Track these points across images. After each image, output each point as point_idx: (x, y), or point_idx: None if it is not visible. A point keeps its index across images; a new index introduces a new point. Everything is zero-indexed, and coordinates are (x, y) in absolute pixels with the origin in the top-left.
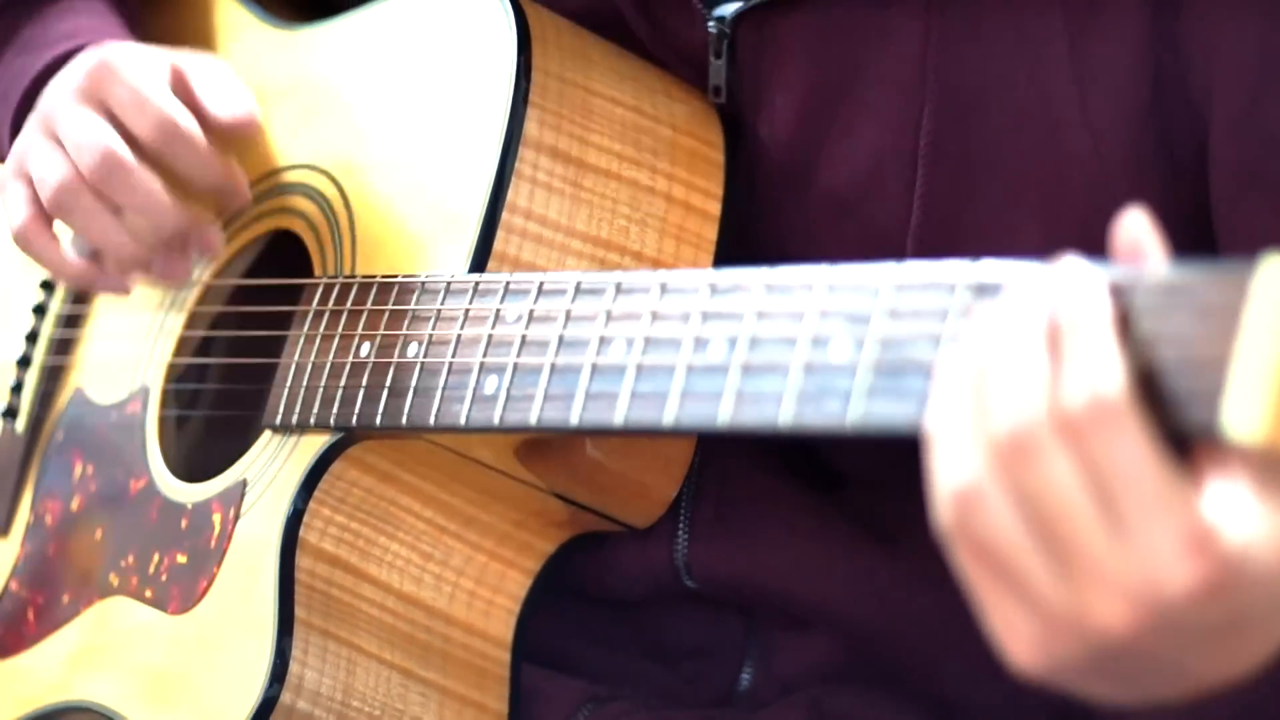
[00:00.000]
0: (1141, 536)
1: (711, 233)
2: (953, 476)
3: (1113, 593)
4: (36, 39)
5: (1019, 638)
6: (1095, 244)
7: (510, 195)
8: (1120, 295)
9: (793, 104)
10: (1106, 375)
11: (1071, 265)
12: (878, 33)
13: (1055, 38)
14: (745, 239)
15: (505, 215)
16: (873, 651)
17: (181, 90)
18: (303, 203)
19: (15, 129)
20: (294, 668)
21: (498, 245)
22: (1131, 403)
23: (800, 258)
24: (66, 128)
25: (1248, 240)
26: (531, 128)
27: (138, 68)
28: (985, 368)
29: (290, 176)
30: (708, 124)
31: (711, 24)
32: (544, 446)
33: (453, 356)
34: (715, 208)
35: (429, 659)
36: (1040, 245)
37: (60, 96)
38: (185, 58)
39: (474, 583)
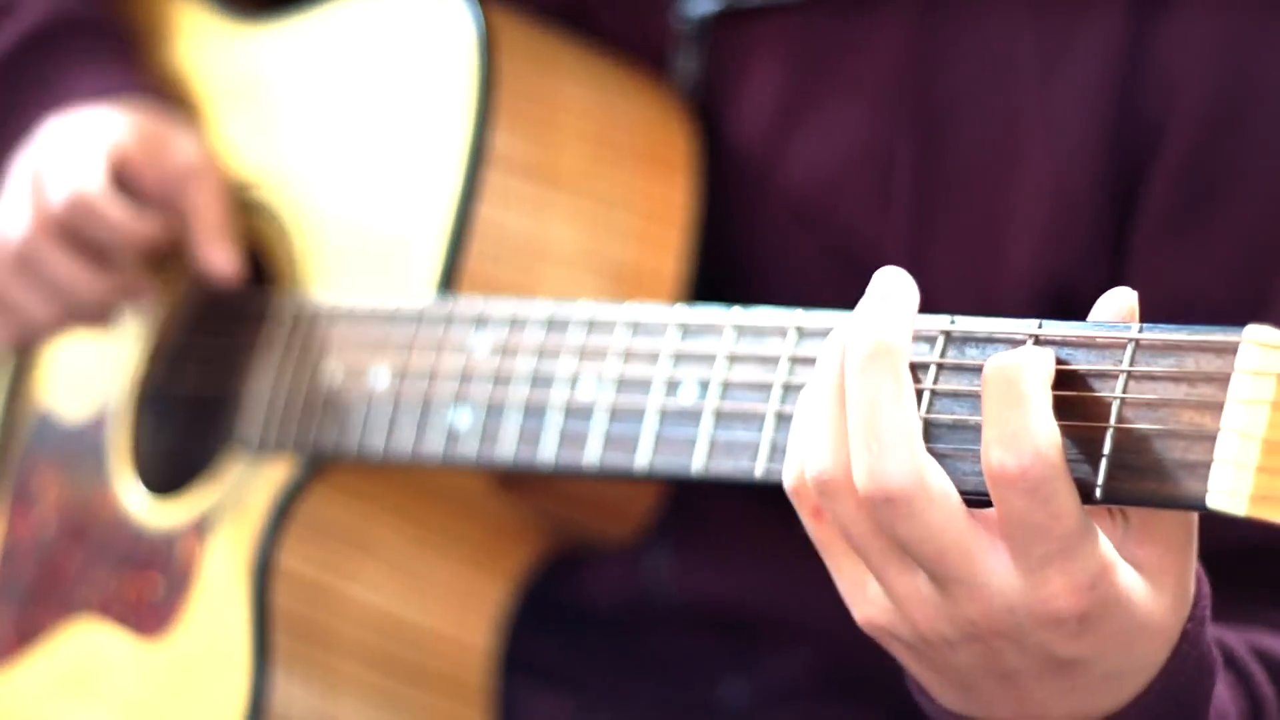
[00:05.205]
0: (1047, 568)
1: (680, 236)
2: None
3: (988, 599)
4: (73, 90)
5: (867, 603)
6: (1039, 275)
7: (476, 210)
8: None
9: (763, 105)
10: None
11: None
12: (857, 42)
13: (1027, 62)
14: (713, 240)
15: (472, 231)
16: (855, 664)
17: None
18: (263, 217)
19: None
20: (273, 697)
21: (465, 262)
22: (929, 475)
23: (766, 261)
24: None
25: (1163, 287)
26: (496, 139)
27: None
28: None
29: (249, 190)
30: (675, 125)
31: (685, 23)
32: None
33: (427, 388)
34: (682, 212)
35: (410, 675)
36: (994, 266)
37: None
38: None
39: (453, 595)
